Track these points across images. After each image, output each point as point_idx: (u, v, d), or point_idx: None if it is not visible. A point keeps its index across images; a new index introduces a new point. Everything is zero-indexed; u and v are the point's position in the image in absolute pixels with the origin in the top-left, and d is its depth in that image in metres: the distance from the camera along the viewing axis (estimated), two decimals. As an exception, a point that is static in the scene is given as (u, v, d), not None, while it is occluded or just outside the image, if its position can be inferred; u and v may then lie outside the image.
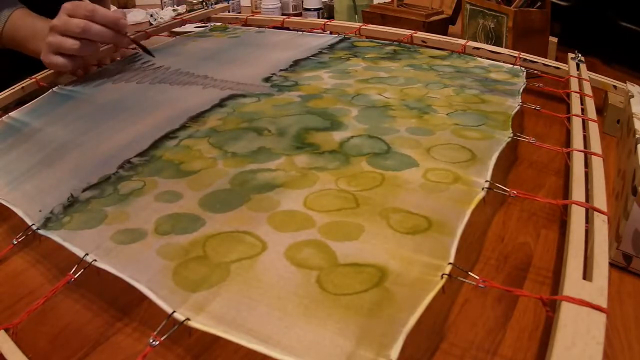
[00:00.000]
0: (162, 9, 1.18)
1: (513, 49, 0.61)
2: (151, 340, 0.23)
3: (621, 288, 0.31)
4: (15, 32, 0.60)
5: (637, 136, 0.37)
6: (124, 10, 1.23)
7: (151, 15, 1.12)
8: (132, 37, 0.58)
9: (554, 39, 0.71)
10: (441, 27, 0.83)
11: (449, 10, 0.86)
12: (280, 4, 1.08)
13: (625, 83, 0.52)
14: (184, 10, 1.13)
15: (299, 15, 1.08)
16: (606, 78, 0.55)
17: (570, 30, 0.79)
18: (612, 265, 0.26)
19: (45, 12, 0.60)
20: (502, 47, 0.64)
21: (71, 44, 0.52)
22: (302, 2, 1.07)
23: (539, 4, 0.67)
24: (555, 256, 0.33)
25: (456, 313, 0.29)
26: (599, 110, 0.46)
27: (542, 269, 0.32)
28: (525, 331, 0.27)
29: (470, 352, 0.26)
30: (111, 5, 0.96)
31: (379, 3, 0.94)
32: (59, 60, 0.54)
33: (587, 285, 0.24)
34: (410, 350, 0.21)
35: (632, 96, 0.46)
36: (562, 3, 0.79)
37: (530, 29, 0.66)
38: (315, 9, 1.05)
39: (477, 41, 0.70)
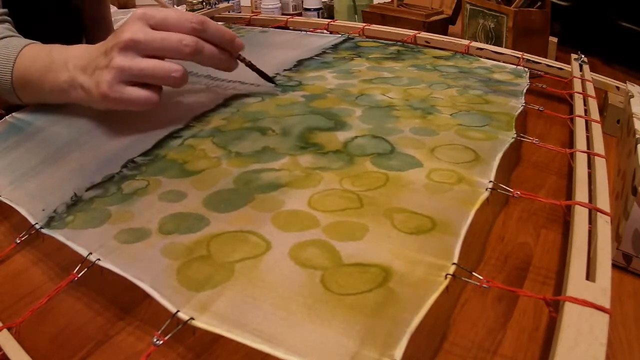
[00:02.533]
0: (163, 8, 1.17)
1: (513, 49, 0.61)
2: (155, 340, 0.23)
3: (621, 288, 0.31)
4: (27, 70, 0.43)
5: (637, 136, 0.37)
6: (125, 10, 1.23)
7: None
8: (248, 60, 0.45)
9: (554, 39, 0.72)
10: (441, 27, 0.83)
11: (449, 10, 0.86)
12: (280, 4, 1.08)
13: (625, 83, 0.52)
14: (184, 11, 1.13)
15: (299, 15, 1.08)
16: (608, 79, 0.55)
17: (570, 30, 0.79)
18: (612, 265, 0.26)
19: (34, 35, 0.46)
20: (502, 47, 0.64)
21: (175, 69, 0.37)
22: (302, 2, 1.07)
23: (539, 4, 0.67)
24: (555, 256, 0.33)
25: (456, 313, 0.29)
26: (599, 110, 0.46)
27: (542, 269, 0.32)
28: (526, 331, 0.28)
29: (471, 351, 0.26)
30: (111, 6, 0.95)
31: (379, 3, 0.94)
32: (142, 93, 0.37)
33: (590, 285, 0.24)
34: (412, 349, 0.21)
35: (632, 96, 0.46)
36: (562, 3, 0.79)
37: (530, 29, 0.67)
38: (315, 9, 1.05)
39: (477, 41, 0.70)
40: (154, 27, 0.37)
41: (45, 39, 0.46)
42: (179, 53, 0.37)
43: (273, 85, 0.48)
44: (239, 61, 0.44)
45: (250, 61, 0.45)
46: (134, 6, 1.32)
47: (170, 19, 0.37)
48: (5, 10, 0.52)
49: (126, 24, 0.37)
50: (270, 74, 0.53)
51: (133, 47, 0.36)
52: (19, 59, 0.43)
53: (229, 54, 0.41)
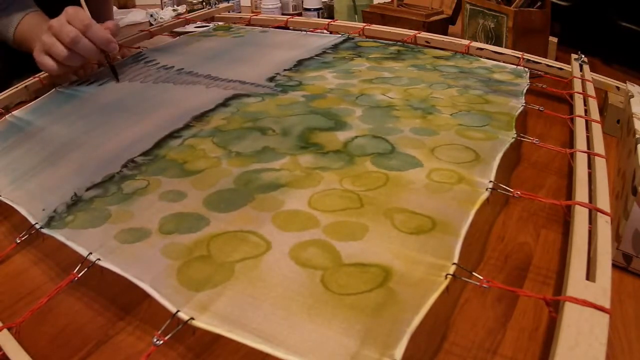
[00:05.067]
0: (162, 9, 1.17)
1: (513, 49, 0.61)
2: (155, 340, 0.23)
3: (621, 288, 0.31)
4: (25, 33, 0.60)
5: (637, 136, 0.37)
6: (125, 9, 1.23)
7: (151, 15, 1.12)
8: (111, 62, 0.57)
9: (554, 39, 0.72)
10: (441, 27, 0.83)
11: (449, 10, 0.86)
12: (280, 4, 1.08)
13: (625, 83, 0.52)
14: (184, 10, 1.13)
15: (299, 15, 1.08)
16: (608, 79, 0.55)
17: (570, 30, 0.79)
18: (612, 265, 0.26)
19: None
20: (502, 47, 0.64)
21: (59, 50, 0.51)
22: (302, 2, 1.07)
23: (539, 4, 0.67)
24: (555, 256, 0.33)
25: (456, 313, 0.29)
26: (599, 110, 0.46)
27: (542, 269, 0.32)
28: (525, 331, 0.28)
29: (471, 351, 0.26)
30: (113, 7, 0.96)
31: (379, 3, 0.94)
32: (48, 62, 0.53)
33: (591, 285, 0.24)
34: (412, 349, 0.21)
35: (632, 96, 0.46)
36: (562, 3, 0.79)
37: (530, 29, 0.67)
38: (315, 9, 1.05)
39: (477, 41, 0.70)
40: (68, 22, 0.51)
41: None
42: (63, 40, 0.51)
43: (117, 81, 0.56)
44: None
45: (111, 62, 0.56)
46: (134, 6, 1.32)
47: (72, 17, 0.51)
48: None
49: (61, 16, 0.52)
50: (271, 74, 0.53)
51: (50, 29, 0.52)
52: (20, 23, 0.60)
53: (100, 50, 0.53)
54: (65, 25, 0.51)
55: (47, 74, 0.58)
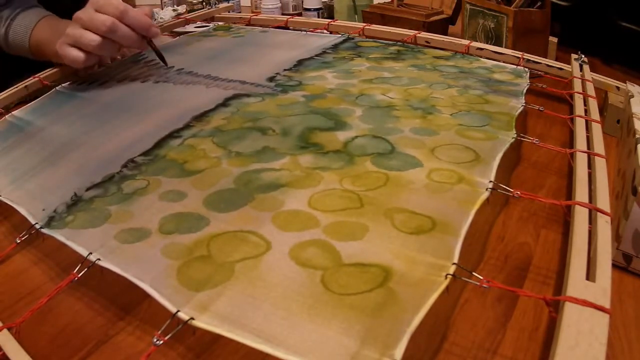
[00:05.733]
0: (162, 9, 1.17)
1: (513, 49, 0.61)
2: (155, 340, 0.23)
3: (621, 288, 0.31)
4: (40, 36, 0.58)
5: (637, 136, 0.37)
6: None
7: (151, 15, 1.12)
8: (154, 46, 0.55)
9: (554, 39, 0.72)
10: (441, 27, 0.83)
11: (449, 10, 0.86)
12: (280, 4, 1.08)
13: (625, 83, 0.52)
14: (184, 10, 1.13)
15: (299, 15, 1.08)
16: (608, 79, 0.55)
17: (570, 30, 0.79)
18: (612, 265, 0.26)
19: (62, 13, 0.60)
20: (502, 47, 0.64)
21: (91, 38, 0.49)
22: (302, 2, 1.07)
23: (539, 4, 0.67)
24: (555, 256, 0.33)
25: (456, 313, 0.29)
26: (599, 110, 0.46)
27: (542, 269, 0.32)
28: (525, 331, 0.28)
29: (471, 351, 0.26)
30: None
31: (379, 3, 0.94)
32: (74, 52, 0.50)
33: (591, 285, 0.24)
34: (412, 349, 0.21)
35: (632, 96, 0.46)
36: (562, 3, 0.79)
37: (530, 29, 0.67)
38: (315, 9, 1.05)
39: (477, 41, 0.70)
40: (98, 11, 0.49)
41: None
42: (98, 29, 0.48)
43: (165, 66, 0.57)
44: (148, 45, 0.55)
45: (155, 46, 0.55)
46: (134, 6, 1.32)
47: (103, 6, 0.49)
48: None
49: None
50: (271, 74, 0.53)
51: (77, 21, 0.50)
52: (36, 28, 0.59)
53: (141, 37, 0.52)
54: (95, 15, 0.48)
55: (48, 73, 0.58)
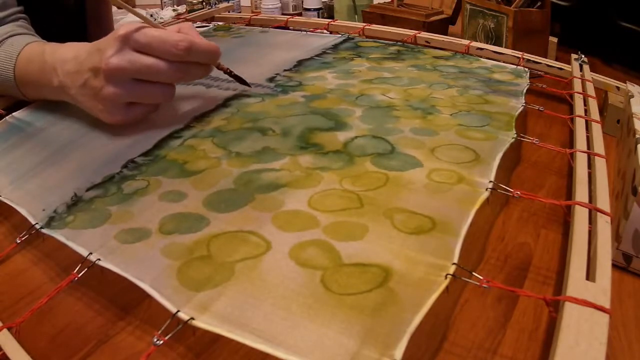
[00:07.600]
0: (162, 9, 1.17)
1: (513, 49, 0.61)
2: (155, 340, 0.23)
3: (621, 288, 0.31)
4: (25, 70, 0.44)
5: (637, 136, 0.37)
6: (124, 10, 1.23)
7: (151, 15, 1.12)
8: (226, 67, 0.46)
9: (554, 39, 0.72)
10: (441, 27, 0.83)
11: (449, 10, 0.86)
12: (280, 4, 1.08)
13: (625, 83, 0.52)
14: (184, 10, 1.13)
15: (299, 15, 1.08)
16: (608, 79, 0.55)
17: (570, 30, 0.79)
18: (612, 265, 0.26)
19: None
20: (502, 47, 0.64)
21: (165, 68, 0.37)
22: (302, 2, 1.07)
23: (539, 4, 0.67)
24: (555, 256, 0.33)
25: (456, 313, 0.29)
26: (599, 110, 0.46)
27: (542, 269, 0.32)
28: (526, 331, 0.28)
29: (471, 351, 0.26)
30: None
31: (379, 3, 0.94)
32: (136, 112, 0.40)
33: (591, 285, 0.24)
34: (412, 349, 0.21)
35: (632, 96, 0.46)
36: (562, 3, 0.79)
37: (530, 29, 0.67)
38: (315, 9, 1.05)
39: (477, 41, 0.70)
40: (137, 51, 0.37)
41: (48, 38, 0.48)
42: (169, 53, 0.37)
43: (248, 87, 0.49)
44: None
45: (227, 68, 0.46)
46: (134, 6, 1.32)
47: (154, 46, 0.37)
48: (21, 7, 0.52)
49: (109, 44, 0.37)
50: (271, 74, 0.53)
51: (119, 75, 0.37)
52: (19, 58, 0.45)
53: (207, 65, 0.42)
54: (138, 60, 0.37)
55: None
